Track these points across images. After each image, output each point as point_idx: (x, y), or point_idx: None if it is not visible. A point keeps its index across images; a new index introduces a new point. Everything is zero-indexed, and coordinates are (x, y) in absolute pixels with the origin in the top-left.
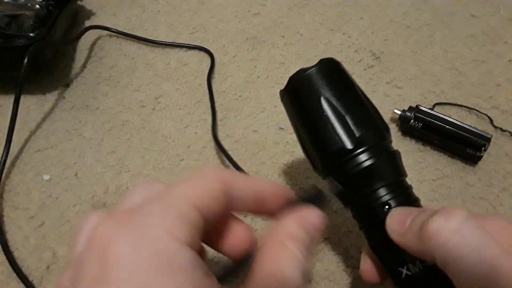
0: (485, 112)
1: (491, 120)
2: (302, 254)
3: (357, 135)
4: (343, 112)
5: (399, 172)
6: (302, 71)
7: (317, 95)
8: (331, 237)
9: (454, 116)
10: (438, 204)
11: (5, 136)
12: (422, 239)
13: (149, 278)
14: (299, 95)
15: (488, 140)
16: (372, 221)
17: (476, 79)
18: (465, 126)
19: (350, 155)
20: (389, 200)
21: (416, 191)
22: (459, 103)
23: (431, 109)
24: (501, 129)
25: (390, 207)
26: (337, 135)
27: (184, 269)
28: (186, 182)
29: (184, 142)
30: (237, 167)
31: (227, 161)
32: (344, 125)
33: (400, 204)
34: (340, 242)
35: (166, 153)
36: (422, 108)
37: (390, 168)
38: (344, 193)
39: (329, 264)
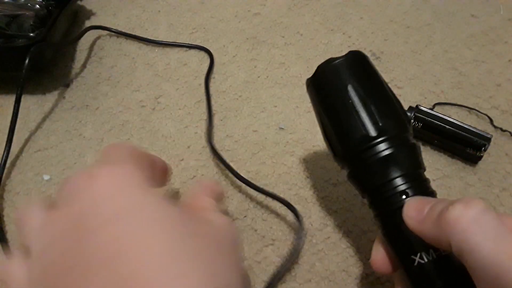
0: (485, 112)
1: (491, 120)
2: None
3: (380, 124)
4: (368, 101)
5: (417, 163)
6: (331, 60)
7: (344, 84)
8: (331, 236)
9: (454, 116)
10: None
11: (5, 136)
12: (440, 226)
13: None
14: (326, 83)
15: (488, 140)
16: (388, 209)
17: (476, 79)
18: (465, 126)
19: (371, 142)
20: (406, 189)
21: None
22: (459, 103)
23: (431, 109)
24: (501, 129)
25: (407, 196)
26: (362, 122)
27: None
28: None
29: (184, 142)
30: (235, 173)
31: (227, 161)
32: (369, 113)
33: (417, 194)
34: (340, 242)
35: (166, 153)
36: (422, 108)
37: (409, 159)
38: (362, 181)
39: (329, 264)
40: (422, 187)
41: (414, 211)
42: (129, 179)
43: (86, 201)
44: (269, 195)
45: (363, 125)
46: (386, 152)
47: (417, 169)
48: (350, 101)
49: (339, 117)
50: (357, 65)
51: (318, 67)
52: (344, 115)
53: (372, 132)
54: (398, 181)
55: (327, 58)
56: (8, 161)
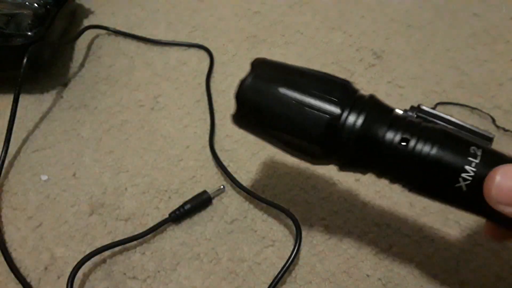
0: (487, 112)
1: (493, 120)
2: None
3: (336, 99)
4: (308, 89)
5: (387, 107)
6: (243, 82)
7: (274, 92)
8: (332, 237)
9: (456, 115)
10: (440, 205)
11: (3, 136)
12: None
13: None
14: (256, 103)
15: (490, 140)
16: (405, 170)
17: (478, 79)
18: (467, 126)
19: (341, 121)
20: (403, 135)
21: None
22: (461, 102)
23: (433, 109)
24: (504, 129)
25: (407, 142)
26: (320, 108)
27: None
28: None
29: (183, 142)
30: (233, 179)
31: (226, 161)
32: (319, 97)
33: (414, 133)
34: (341, 243)
35: (165, 153)
36: (424, 107)
37: (381, 109)
38: (362, 161)
39: (330, 265)
40: (410, 123)
41: (507, 197)
42: None
43: None
44: (266, 203)
45: (323, 110)
46: (359, 122)
47: (393, 112)
48: (293, 100)
49: (295, 123)
50: (268, 70)
51: (237, 98)
52: (299, 116)
53: (337, 110)
54: (389, 134)
55: (327, 56)
56: (6, 161)
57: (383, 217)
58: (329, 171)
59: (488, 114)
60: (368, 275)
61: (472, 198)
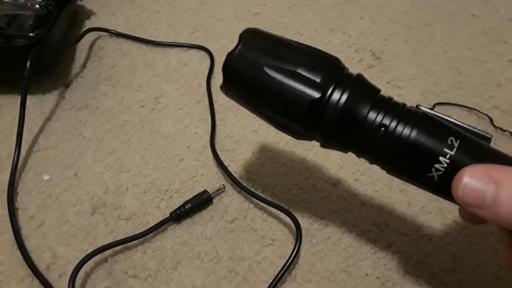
0: (485, 112)
1: (491, 120)
2: None
3: (318, 81)
4: (292, 68)
5: (373, 89)
6: (230, 55)
7: (259, 68)
8: (331, 236)
9: (454, 116)
10: (438, 204)
11: (4, 136)
12: None
13: None
14: (241, 79)
15: (488, 140)
16: (379, 153)
17: (476, 79)
18: (465, 126)
19: (322, 102)
20: (383, 118)
21: (416, 191)
22: (459, 103)
23: (432, 109)
24: (501, 129)
25: (386, 128)
26: (300, 91)
27: None
28: None
29: (184, 142)
30: (233, 178)
31: (227, 161)
32: (301, 79)
33: (395, 117)
34: (340, 242)
35: (166, 153)
36: (422, 108)
37: (366, 90)
38: (342, 139)
39: (329, 264)
40: (393, 108)
41: (472, 198)
42: None
43: None
44: (266, 203)
45: (304, 92)
46: (342, 101)
47: (378, 93)
48: (276, 79)
49: (276, 101)
50: (256, 43)
51: (223, 69)
52: (280, 96)
53: (316, 94)
54: (371, 115)
55: None
56: (9, 161)
57: (382, 216)
58: (329, 171)
59: (486, 115)
60: (367, 274)
61: (443, 188)
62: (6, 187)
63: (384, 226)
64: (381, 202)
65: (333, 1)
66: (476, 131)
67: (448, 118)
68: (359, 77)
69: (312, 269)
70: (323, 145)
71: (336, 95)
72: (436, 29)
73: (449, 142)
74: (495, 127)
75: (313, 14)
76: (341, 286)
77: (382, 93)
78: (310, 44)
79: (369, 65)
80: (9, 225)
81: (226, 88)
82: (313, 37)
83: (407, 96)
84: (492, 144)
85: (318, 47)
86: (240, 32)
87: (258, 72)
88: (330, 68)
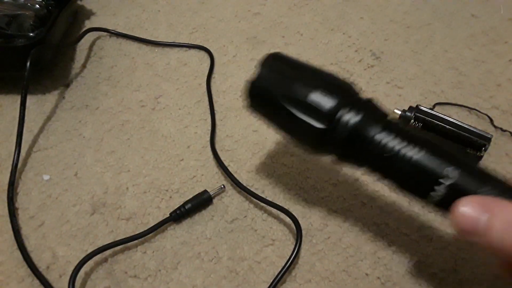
0: (485, 112)
1: (491, 120)
2: None
3: (325, 110)
4: (302, 98)
5: (383, 113)
6: (249, 84)
7: (275, 98)
8: (331, 236)
9: (454, 116)
10: None
11: (5, 136)
12: None
13: None
14: (261, 104)
15: (488, 140)
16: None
17: (477, 79)
18: (466, 126)
19: (329, 131)
20: (387, 143)
21: None
22: (459, 103)
23: (432, 109)
24: (501, 129)
25: (391, 150)
26: (308, 123)
27: None
28: None
29: (184, 142)
30: (233, 178)
31: (227, 161)
32: (310, 109)
33: (398, 135)
34: (340, 242)
35: (166, 153)
36: (422, 108)
37: (376, 112)
38: (354, 157)
39: (329, 264)
40: (399, 129)
41: (466, 224)
42: None
43: None
44: (266, 203)
45: (310, 125)
46: (351, 124)
47: (386, 117)
48: (289, 110)
49: (290, 128)
50: (274, 70)
51: (247, 94)
52: (292, 125)
53: (320, 125)
54: (379, 137)
55: (327, 57)
56: (9, 161)
57: (382, 216)
58: (329, 171)
59: (486, 115)
60: (367, 274)
61: (442, 208)
62: (6, 187)
63: (384, 226)
64: (381, 202)
65: (333, 1)
66: (476, 131)
67: (449, 118)
68: (370, 102)
69: (312, 269)
70: (336, 162)
71: (344, 120)
72: (436, 29)
73: (445, 173)
74: (495, 127)
75: (313, 14)
76: (341, 286)
77: (388, 112)
78: (310, 41)
79: (369, 65)
80: (9, 225)
81: (250, 107)
82: (313, 37)
83: (407, 96)
84: (492, 144)
85: (318, 47)
86: (240, 32)
87: (274, 102)
88: (339, 94)
